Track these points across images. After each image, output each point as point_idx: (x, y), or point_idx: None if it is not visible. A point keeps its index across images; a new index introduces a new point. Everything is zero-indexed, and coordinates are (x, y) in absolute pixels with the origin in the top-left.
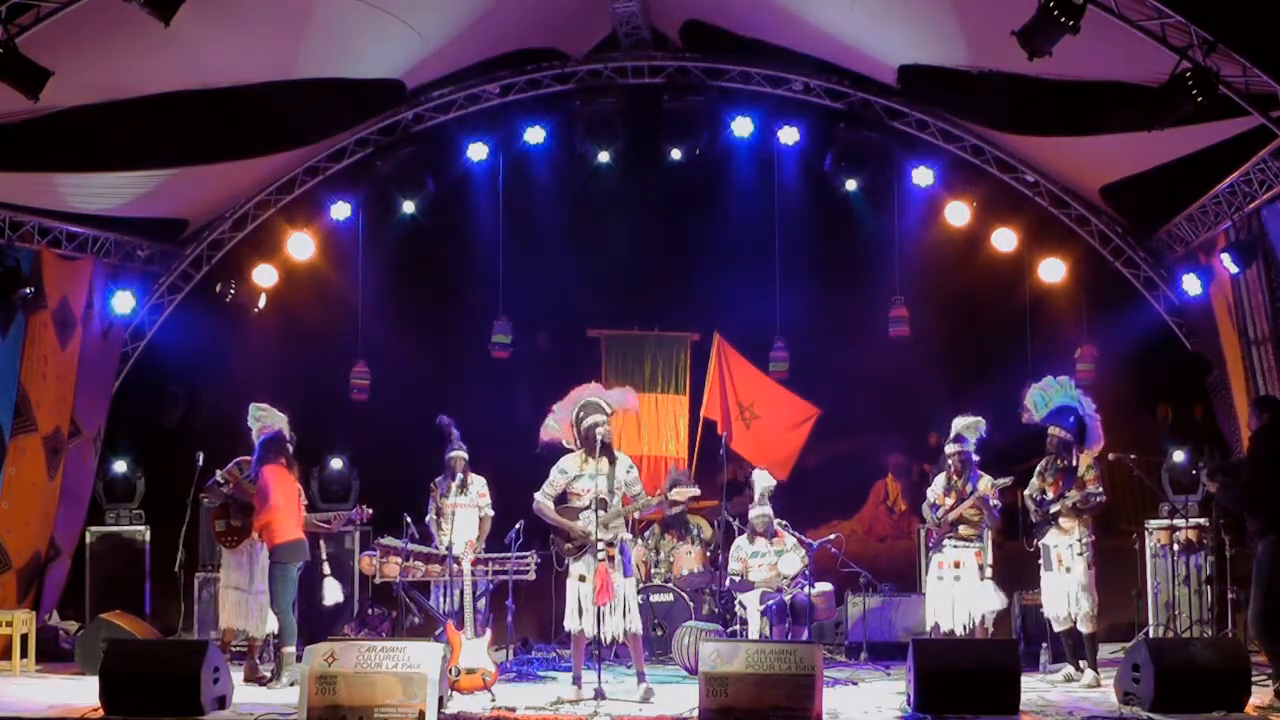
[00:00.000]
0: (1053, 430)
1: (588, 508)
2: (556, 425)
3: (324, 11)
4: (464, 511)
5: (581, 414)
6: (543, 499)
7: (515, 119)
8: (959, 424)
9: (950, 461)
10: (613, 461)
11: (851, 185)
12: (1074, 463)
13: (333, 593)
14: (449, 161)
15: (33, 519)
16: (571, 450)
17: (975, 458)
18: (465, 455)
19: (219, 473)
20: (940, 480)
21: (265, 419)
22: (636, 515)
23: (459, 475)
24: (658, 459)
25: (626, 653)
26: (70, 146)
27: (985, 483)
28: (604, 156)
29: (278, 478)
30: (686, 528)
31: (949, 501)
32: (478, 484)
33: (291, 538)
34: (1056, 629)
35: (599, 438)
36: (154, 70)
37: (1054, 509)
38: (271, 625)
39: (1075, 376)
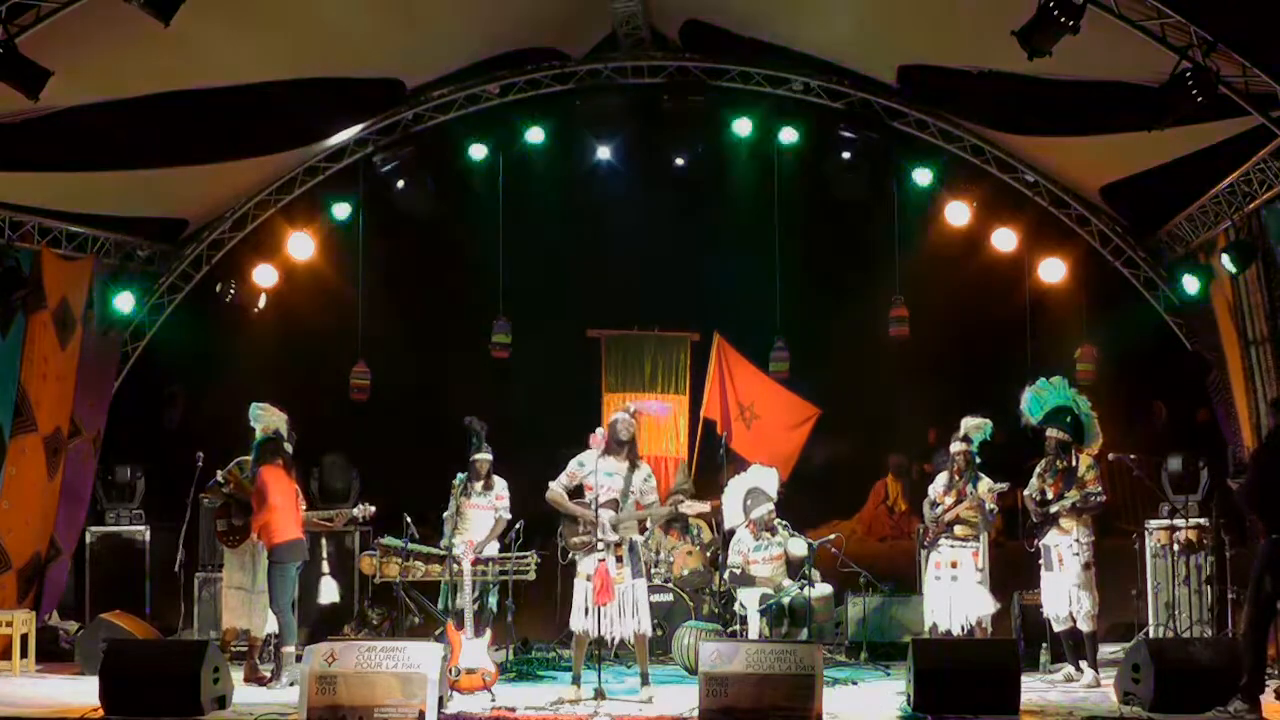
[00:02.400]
0: (1050, 432)
1: (604, 504)
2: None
3: (324, 11)
4: (480, 513)
5: (613, 413)
6: (556, 488)
7: (515, 119)
8: (967, 424)
9: (955, 460)
10: (633, 465)
11: (851, 185)
12: (1073, 463)
13: (328, 592)
14: (449, 161)
15: (33, 519)
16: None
17: (978, 459)
18: (490, 458)
19: (220, 473)
20: (942, 478)
21: (265, 419)
22: (649, 525)
23: (483, 477)
24: (658, 459)
25: (627, 653)
26: (70, 146)
27: (984, 486)
28: (604, 156)
29: (275, 478)
30: (687, 528)
31: (949, 500)
32: (499, 486)
33: (290, 537)
34: (1056, 629)
35: (619, 434)
36: (154, 70)
37: (1054, 509)
38: (272, 625)
39: (1075, 376)
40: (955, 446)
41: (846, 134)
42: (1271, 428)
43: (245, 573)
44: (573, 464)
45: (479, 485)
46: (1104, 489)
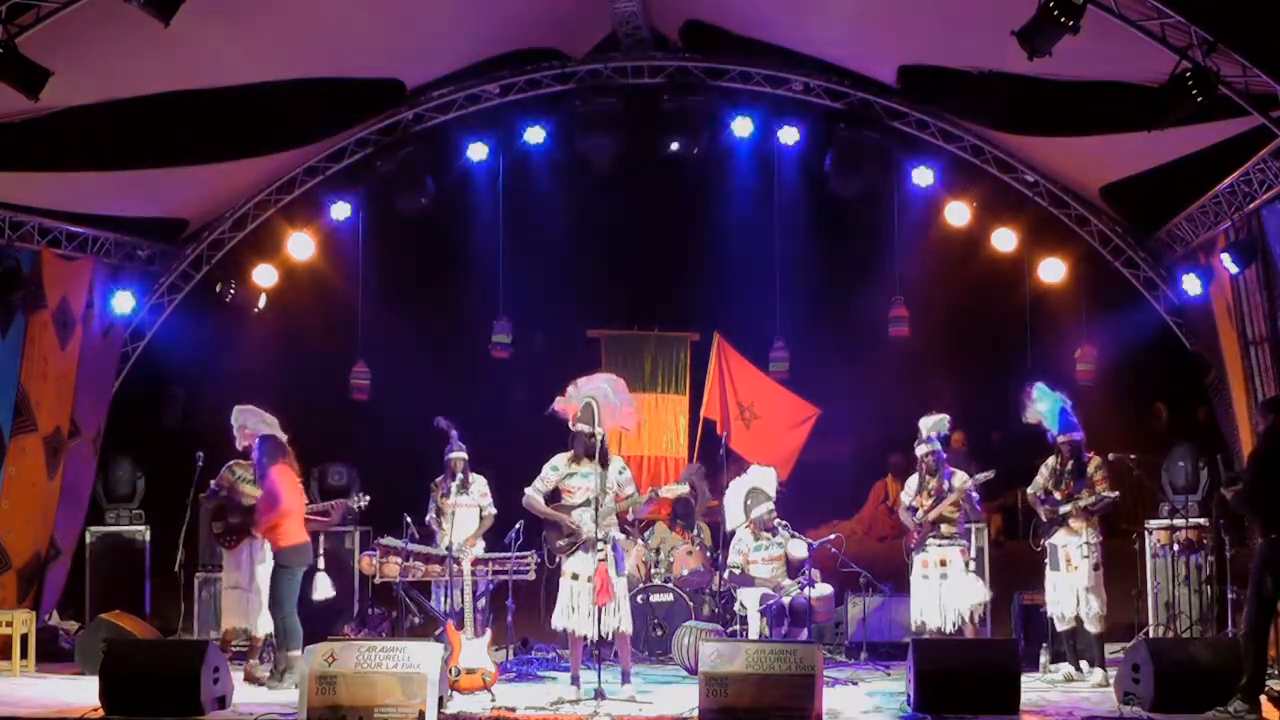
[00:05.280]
0: (1066, 437)
1: (579, 505)
2: (563, 402)
3: (324, 11)
4: (465, 511)
5: (580, 414)
6: (533, 493)
7: (515, 119)
8: (925, 424)
9: (923, 462)
10: (604, 463)
11: (851, 185)
12: (1085, 461)
13: (323, 588)
14: (449, 161)
15: (33, 519)
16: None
17: (944, 454)
18: (465, 456)
19: (213, 482)
20: (912, 482)
21: (254, 424)
22: (630, 516)
23: (459, 476)
24: (658, 459)
25: None
26: (70, 146)
27: (959, 479)
28: (604, 157)
29: (288, 480)
30: (690, 526)
31: (927, 502)
32: (479, 484)
33: (299, 541)
34: (1060, 628)
35: (587, 447)
36: (154, 70)
37: (1064, 510)
38: (270, 625)
39: (1075, 376)
40: (920, 449)
41: (846, 134)
42: (1265, 429)
43: (241, 572)
44: (546, 469)
45: (455, 484)
46: (1110, 489)
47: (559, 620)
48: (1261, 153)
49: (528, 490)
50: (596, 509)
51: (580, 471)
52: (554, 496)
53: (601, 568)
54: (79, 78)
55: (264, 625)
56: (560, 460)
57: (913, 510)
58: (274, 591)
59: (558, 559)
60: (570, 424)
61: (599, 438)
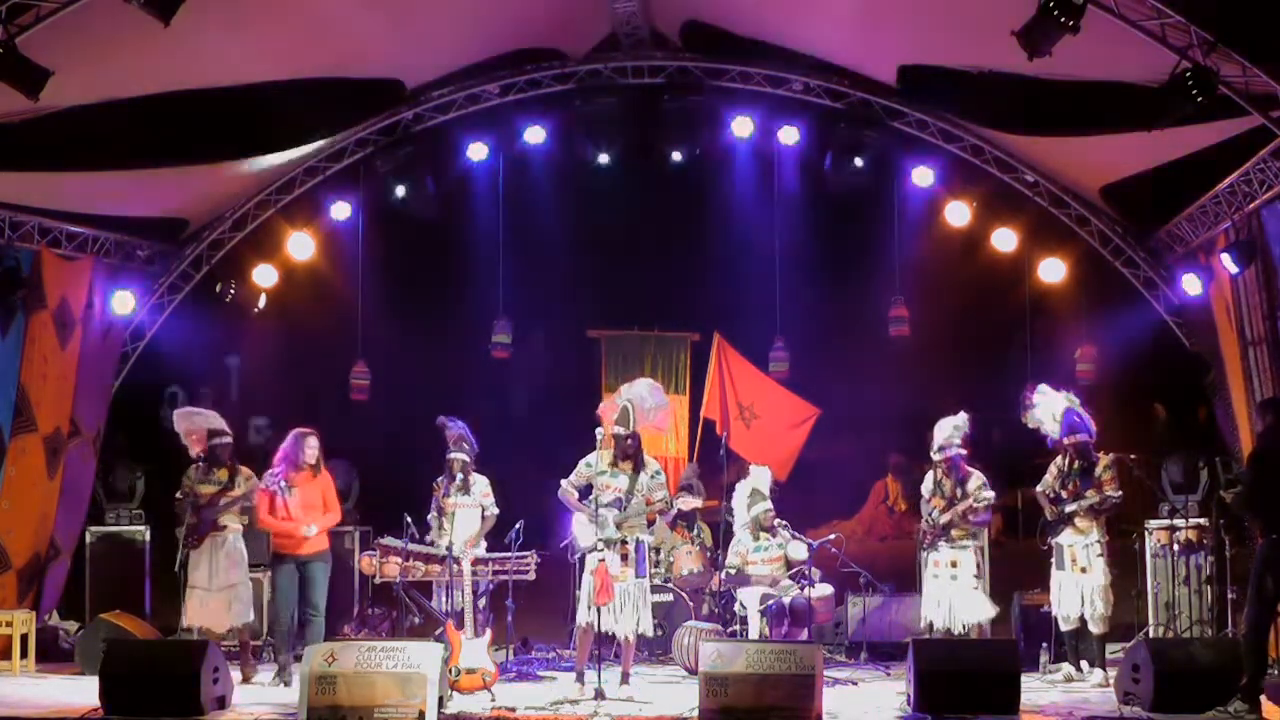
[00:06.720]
0: (1071, 439)
1: (605, 505)
2: (605, 405)
3: (324, 11)
4: (466, 511)
5: (617, 417)
6: (567, 486)
7: (515, 119)
8: (940, 434)
9: (938, 467)
10: (638, 466)
11: (851, 185)
12: (1094, 461)
13: None
14: (449, 161)
15: (33, 519)
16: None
17: (964, 452)
18: (464, 457)
19: (178, 493)
20: (928, 481)
21: (200, 423)
22: (658, 519)
23: (459, 476)
24: (658, 459)
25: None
26: (70, 146)
27: (974, 483)
28: (604, 157)
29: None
30: (692, 526)
31: (941, 504)
32: (480, 484)
33: None
34: (1064, 628)
35: (625, 450)
36: (154, 70)
37: (1070, 509)
38: (235, 620)
39: (1075, 376)
40: (936, 456)
41: (846, 134)
42: (1263, 429)
43: (200, 571)
44: (581, 464)
45: (456, 485)
46: (1119, 490)
47: (581, 615)
48: (1261, 153)
49: (563, 482)
50: (597, 510)
51: (612, 471)
52: (588, 492)
53: (601, 567)
54: (79, 78)
55: (231, 621)
56: (595, 457)
57: (928, 504)
58: (318, 588)
59: (579, 554)
60: (607, 427)
61: (628, 444)
